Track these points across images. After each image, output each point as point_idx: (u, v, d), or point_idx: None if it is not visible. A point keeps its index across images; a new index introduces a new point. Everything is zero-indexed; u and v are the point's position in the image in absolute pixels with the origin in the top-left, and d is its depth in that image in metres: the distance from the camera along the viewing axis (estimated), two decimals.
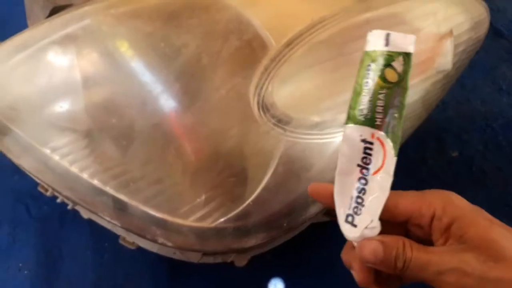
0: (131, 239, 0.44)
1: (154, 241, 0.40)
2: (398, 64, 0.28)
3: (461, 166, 0.53)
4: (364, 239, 0.28)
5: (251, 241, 0.41)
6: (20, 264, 0.49)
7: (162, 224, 0.40)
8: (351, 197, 0.28)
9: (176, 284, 0.48)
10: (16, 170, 0.55)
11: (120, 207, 0.41)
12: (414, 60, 0.42)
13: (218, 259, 0.44)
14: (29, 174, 0.48)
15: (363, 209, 0.28)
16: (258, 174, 0.39)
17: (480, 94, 0.59)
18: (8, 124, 0.44)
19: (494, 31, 0.64)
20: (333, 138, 0.39)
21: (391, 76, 0.28)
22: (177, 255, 0.43)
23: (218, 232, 0.40)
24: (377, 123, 0.27)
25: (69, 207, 0.44)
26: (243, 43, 0.37)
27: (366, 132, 0.28)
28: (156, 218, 0.40)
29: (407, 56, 0.28)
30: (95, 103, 0.42)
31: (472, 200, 0.51)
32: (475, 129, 0.56)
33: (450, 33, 0.42)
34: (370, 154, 0.28)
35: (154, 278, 0.48)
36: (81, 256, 0.50)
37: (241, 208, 0.40)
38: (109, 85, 0.41)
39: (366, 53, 0.28)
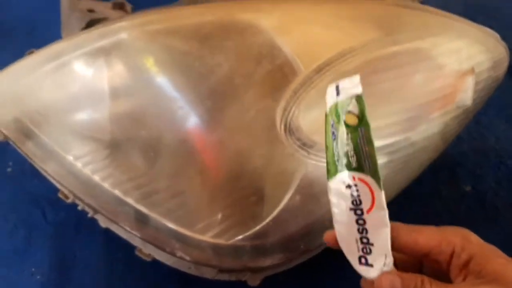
0: (147, 251, 0.44)
1: (173, 254, 0.40)
2: (353, 107, 0.30)
3: (474, 201, 0.54)
4: (383, 273, 0.28)
5: (267, 261, 0.41)
6: (33, 269, 0.49)
7: (181, 238, 0.41)
8: (356, 240, 0.29)
9: None
10: (35, 175, 0.56)
11: (140, 218, 0.41)
12: (436, 95, 0.43)
13: (233, 277, 0.44)
14: (51, 179, 0.49)
15: (372, 247, 0.29)
16: (279, 195, 0.40)
17: (495, 131, 0.60)
18: (34, 128, 0.46)
19: (510, 71, 0.66)
20: None
21: (352, 120, 0.30)
22: (192, 270, 0.44)
23: (235, 249, 0.41)
24: (353, 166, 0.29)
25: (89, 215, 0.44)
26: (274, 67, 0.38)
27: (346, 178, 0.29)
28: (176, 231, 0.41)
29: (358, 97, 0.30)
30: (123, 114, 0.43)
31: (485, 235, 0.51)
32: (489, 165, 0.57)
33: (472, 70, 0.44)
34: (358, 196, 0.29)
35: None
36: (94, 265, 0.50)
37: (259, 227, 0.41)
38: (140, 98, 0.42)
39: (326, 114, 0.31)
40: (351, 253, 0.29)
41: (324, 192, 0.41)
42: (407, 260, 0.31)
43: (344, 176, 0.29)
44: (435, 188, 0.55)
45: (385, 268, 0.28)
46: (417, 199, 0.54)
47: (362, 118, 0.29)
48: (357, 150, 0.29)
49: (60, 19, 0.55)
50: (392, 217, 0.54)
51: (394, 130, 0.41)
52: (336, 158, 0.30)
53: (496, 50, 0.48)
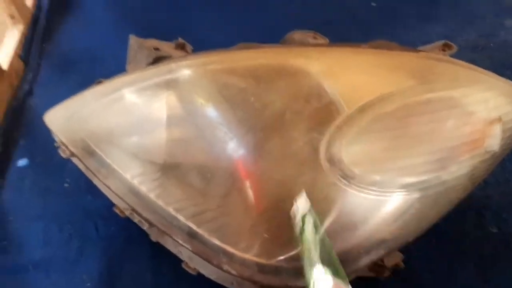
0: (193, 265, 0.48)
1: (220, 267, 0.44)
2: (307, 224, 0.36)
3: (500, 243, 0.56)
4: None
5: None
6: (84, 277, 0.54)
7: (227, 253, 0.44)
8: None
9: None
10: (89, 191, 0.61)
11: (191, 234, 0.46)
12: (466, 139, 0.47)
13: None
14: (109, 195, 0.54)
15: None
16: (320, 220, 0.44)
17: None
18: (96, 149, 0.51)
19: None
20: (389, 197, 0.44)
21: (308, 236, 0.35)
22: (234, 286, 0.47)
23: (276, 268, 0.44)
24: (328, 274, 0.31)
25: (145, 228, 0.49)
26: (321, 106, 0.43)
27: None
28: (222, 247, 0.45)
29: (309, 212, 0.35)
30: (178, 141, 0.48)
31: (510, 275, 0.53)
32: None
33: (499, 119, 0.48)
34: None
35: None
36: (140, 277, 0.54)
37: (298, 249, 0.44)
38: (196, 128, 0.47)
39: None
40: None
41: (361, 221, 0.45)
42: None
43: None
44: (462, 229, 0.58)
45: None
46: (445, 237, 0.56)
47: (314, 226, 0.35)
48: (317, 258, 0.32)
49: (126, 54, 0.62)
50: (421, 253, 0.57)
51: (426, 168, 0.45)
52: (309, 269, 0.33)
53: None
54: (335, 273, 0.31)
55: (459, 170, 0.47)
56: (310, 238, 0.34)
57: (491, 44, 0.86)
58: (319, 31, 0.95)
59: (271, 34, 0.60)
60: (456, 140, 0.46)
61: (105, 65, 0.80)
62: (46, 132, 0.55)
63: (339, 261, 0.33)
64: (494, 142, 0.48)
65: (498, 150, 0.49)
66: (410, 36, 0.89)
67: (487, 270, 0.54)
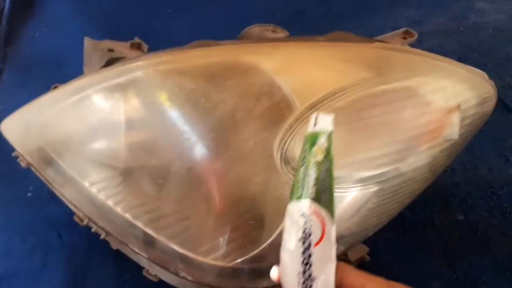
0: (153, 272, 0.47)
1: (176, 274, 0.43)
2: (323, 142, 0.32)
3: (466, 230, 0.56)
4: None
5: (264, 283, 0.44)
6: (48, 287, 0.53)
7: (185, 259, 0.44)
8: (298, 273, 0.29)
9: None
10: (53, 199, 0.60)
11: (148, 241, 0.45)
12: (424, 129, 0.47)
13: None
14: (68, 203, 0.53)
15: (313, 283, 0.29)
16: (276, 220, 0.43)
17: (487, 162, 0.63)
18: (55, 156, 0.50)
19: (504, 106, 0.69)
20: (347, 192, 0.43)
21: (319, 152, 0.31)
22: None
23: (234, 271, 0.44)
24: (312, 196, 0.30)
25: (102, 236, 0.48)
26: (272, 104, 0.42)
27: (304, 206, 0.30)
28: (180, 253, 0.44)
29: (329, 134, 0.32)
30: (136, 145, 0.47)
31: (477, 262, 0.53)
32: (480, 195, 0.59)
33: (458, 107, 0.47)
34: (310, 227, 0.29)
35: None
36: (104, 285, 0.53)
37: (257, 250, 0.44)
38: (152, 130, 0.46)
39: (305, 136, 0.33)
40: (291, 286, 0.29)
41: None
42: None
43: (302, 204, 0.30)
44: (429, 217, 0.57)
45: None
46: (411, 227, 0.56)
47: (328, 153, 0.31)
48: (317, 181, 0.30)
49: (83, 56, 0.60)
50: (387, 244, 0.57)
51: (384, 161, 0.45)
52: (299, 184, 0.31)
53: (482, 88, 0.51)
54: (325, 204, 0.29)
55: (418, 161, 0.47)
56: (313, 160, 0.31)
57: (461, 28, 0.85)
58: (291, 21, 0.94)
59: (240, 27, 0.59)
60: (414, 130, 0.46)
61: (70, 69, 0.78)
62: (7, 141, 0.53)
63: (334, 200, 0.31)
64: (453, 130, 0.47)
65: (458, 139, 0.48)
66: (379, 22, 0.88)
67: (453, 257, 0.54)
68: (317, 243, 0.29)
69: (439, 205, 0.58)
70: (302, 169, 0.31)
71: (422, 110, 0.46)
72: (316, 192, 0.30)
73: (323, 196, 0.30)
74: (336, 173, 0.42)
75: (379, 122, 0.45)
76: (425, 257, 0.54)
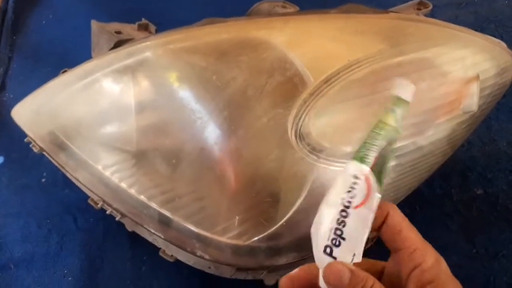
0: (170, 252, 0.47)
1: (193, 253, 0.43)
2: (399, 110, 0.31)
3: (486, 204, 0.55)
4: (334, 261, 0.28)
5: (282, 260, 0.44)
6: (65, 271, 0.53)
7: (201, 238, 0.43)
8: (330, 229, 0.29)
9: None
10: (67, 184, 0.60)
11: (164, 221, 0.45)
12: (442, 101, 0.45)
13: (250, 276, 0.46)
14: (82, 187, 0.53)
15: (342, 242, 0.28)
16: (292, 197, 0.43)
17: (506, 136, 0.61)
18: (67, 141, 0.50)
19: None
20: None
21: (390, 119, 0.31)
22: (212, 270, 0.46)
23: (251, 249, 0.43)
24: (368, 160, 0.30)
25: (117, 218, 0.48)
26: (285, 79, 0.41)
27: (358, 168, 0.30)
28: (196, 233, 0.44)
29: (406, 104, 0.31)
30: (147, 127, 0.47)
31: (497, 236, 0.52)
32: (500, 169, 0.58)
33: (477, 77, 0.46)
34: (355, 189, 0.29)
35: None
36: (121, 267, 0.53)
37: (273, 228, 0.43)
38: (163, 111, 0.46)
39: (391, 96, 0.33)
40: (319, 239, 0.29)
41: None
42: (368, 269, 0.30)
43: (357, 166, 0.30)
44: (447, 192, 0.56)
45: None
46: (429, 202, 0.55)
47: (398, 124, 0.31)
48: (378, 148, 0.30)
49: (91, 41, 0.60)
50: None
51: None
52: (364, 144, 0.31)
53: (502, 58, 0.49)
54: (378, 172, 0.30)
55: (436, 134, 0.45)
56: (385, 126, 0.31)
57: None
58: None
59: (249, 5, 0.58)
60: (431, 102, 0.45)
61: (78, 55, 0.77)
62: (19, 128, 0.53)
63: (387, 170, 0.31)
64: (472, 102, 0.46)
65: (477, 110, 0.47)
66: None
67: (473, 231, 0.53)
68: (358, 206, 0.29)
69: (456, 179, 0.57)
70: (371, 130, 0.32)
71: (439, 82, 0.45)
72: (372, 159, 0.30)
73: (379, 165, 0.30)
74: (351, 148, 0.42)
75: None
76: (443, 232, 0.54)
